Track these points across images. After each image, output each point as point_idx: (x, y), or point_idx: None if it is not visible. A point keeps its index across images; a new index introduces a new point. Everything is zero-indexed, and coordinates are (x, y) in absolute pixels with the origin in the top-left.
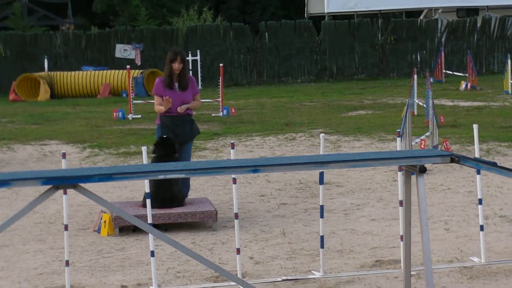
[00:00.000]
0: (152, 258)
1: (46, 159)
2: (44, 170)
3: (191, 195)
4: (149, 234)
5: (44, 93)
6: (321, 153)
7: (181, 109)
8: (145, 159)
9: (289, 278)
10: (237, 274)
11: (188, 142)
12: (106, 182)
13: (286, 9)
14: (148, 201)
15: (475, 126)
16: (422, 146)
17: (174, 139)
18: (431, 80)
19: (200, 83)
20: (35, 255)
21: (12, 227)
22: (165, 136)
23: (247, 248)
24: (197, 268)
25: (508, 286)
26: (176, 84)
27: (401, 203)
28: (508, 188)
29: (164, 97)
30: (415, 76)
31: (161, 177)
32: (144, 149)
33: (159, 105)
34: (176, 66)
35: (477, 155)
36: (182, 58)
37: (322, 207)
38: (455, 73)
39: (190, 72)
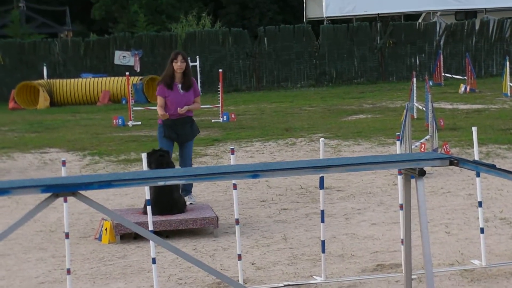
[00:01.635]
0: (153, 265)
1: (46, 167)
2: (44, 178)
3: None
4: (150, 241)
5: (43, 101)
6: (321, 157)
7: (181, 110)
8: (145, 166)
9: (290, 283)
10: (238, 280)
11: (188, 141)
12: (106, 189)
13: (285, 14)
14: (149, 208)
15: (474, 129)
16: (422, 150)
17: (166, 152)
18: (430, 83)
19: (199, 88)
20: (37, 263)
21: (13, 236)
22: (157, 149)
23: (249, 254)
24: (199, 275)
25: None
26: (179, 85)
27: (401, 206)
28: (508, 191)
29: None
30: (414, 79)
31: (161, 183)
32: (144, 156)
33: (160, 107)
34: (178, 65)
35: (476, 157)
36: (183, 57)
37: (323, 212)
38: (454, 76)
39: None
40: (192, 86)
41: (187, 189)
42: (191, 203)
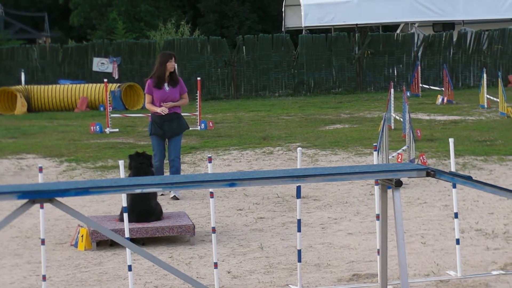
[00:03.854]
0: (129, 272)
1: (23, 173)
2: (20, 184)
3: (169, 209)
4: (127, 249)
5: (21, 106)
6: (298, 167)
7: (166, 105)
8: (122, 173)
9: None
10: None
11: (176, 136)
12: (83, 196)
13: (264, 23)
14: (125, 215)
15: (451, 140)
16: (399, 160)
17: (148, 154)
18: (408, 94)
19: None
20: (12, 269)
21: None
22: (139, 152)
23: (225, 262)
24: (175, 283)
25: None
26: (165, 84)
27: (377, 217)
28: (484, 202)
29: (161, 109)
30: (392, 90)
31: (138, 191)
32: (121, 163)
33: (149, 104)
34: (172, 64)
35: (453, 169)
36: (175, 57)
37: (299, 221)
38: (432, 87)
39: None
40: (178, 83)
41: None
42: (174, 196)
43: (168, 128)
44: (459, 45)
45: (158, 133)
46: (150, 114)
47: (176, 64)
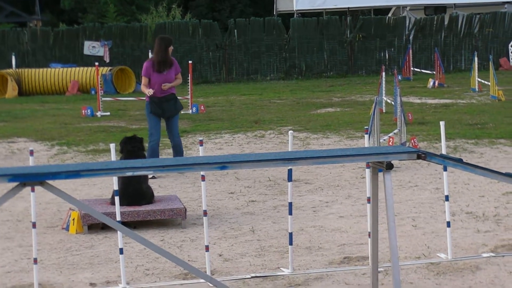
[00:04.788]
0: (121, 255)
1: (14, 156)
2: (11, 167)
3: (160, 192)
4: (118, 232)
5: (11, 90)
6: (289, 150)
7: (164, 86)
8: (113, 156)
9: (258, 275)
10: (206, 272)
11: (173, 116)
12: (74, 179)
13: (255, 6)
14: (117, 199)
15: (442, 123)
16: (390, 143)
17: (139, 137)
18: (399, 77)
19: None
20: (3, 253)
21: None
22: (129, 136)
23: (216, 246)
24: (166, 266)
25: (474, 282)
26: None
27: (369, 200)
28: (475, 185)
29: (148, 91)
30: (383, 73)
31: (129, 174)
32: (112, 146)
33: (144, 86)
34: (172, 49)
35: (444, 152)
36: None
37: (290, 204)
38: (423, 70)
39: None
40: (173, 65)
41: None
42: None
43: (167, 107)
44: (450, 28)
45: (157, 112)
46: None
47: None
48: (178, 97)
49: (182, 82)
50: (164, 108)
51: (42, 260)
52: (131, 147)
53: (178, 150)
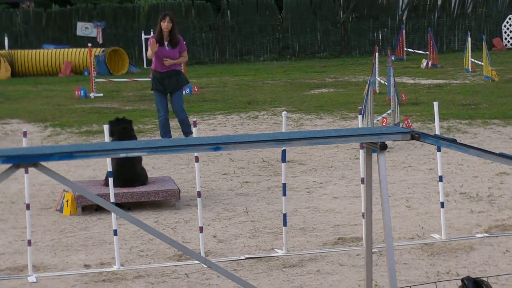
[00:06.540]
0: (115, 237)
1: (7, 138)
2: (4, 149)
3: (154, 174)
4: (112, 213)
5: (4, 71)
6: (283, 131)
7: (165, 61)
8: (107, 138)
9: (252, 256)
10: (200, 253)
11: (176, 91)
12: (68, 160)
13: None
14: (111, 180)
15: (435, 104)
16: (384, 124)
17: (128, 119)
18: (393, 58)
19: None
20: None
21: None
22: (119, 117)
23: (210, 227)
24: (160, 247)
25: (468, 262)
26: (166, 42)
27: (362, 180)
28: (468, 165)
29: (150, 40)
30: (377, 54)
31: (123, 155)
32: (106, 127)
33: (149, 51)
34: (165, 25)
35: (437, 132)
36: (170, 18)
37: (284, 185)
38: (416, 51)
39: None
40: (178, 43)
41: (188, 131)
42: None
43: (168, 83)
44: (443, 8)
45: (159, 88)
46: (152, 72)
47: (172, 24)
48: None
49: None
50: (165, 84)
51: (36, 242)
52: (122, 128)
53: (184, 125)
